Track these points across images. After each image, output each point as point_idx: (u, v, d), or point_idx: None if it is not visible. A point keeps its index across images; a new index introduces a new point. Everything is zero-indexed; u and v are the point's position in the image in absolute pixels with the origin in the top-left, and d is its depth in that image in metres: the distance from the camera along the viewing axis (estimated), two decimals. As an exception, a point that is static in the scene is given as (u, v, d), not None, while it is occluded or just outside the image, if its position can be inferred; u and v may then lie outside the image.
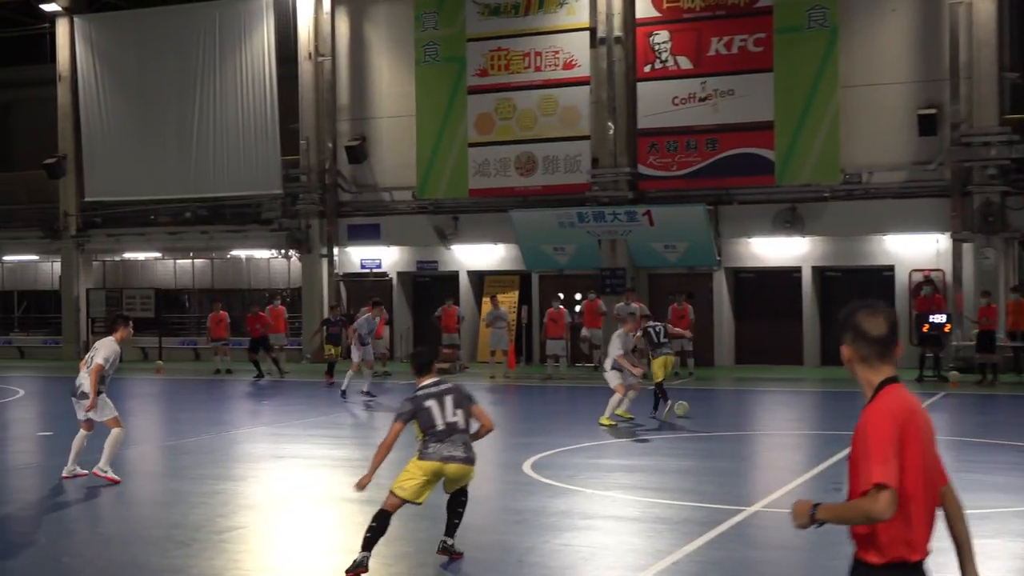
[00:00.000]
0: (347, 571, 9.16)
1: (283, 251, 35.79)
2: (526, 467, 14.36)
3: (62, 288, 38.42)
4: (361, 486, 9.50)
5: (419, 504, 9.57)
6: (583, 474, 13.97)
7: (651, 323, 20.28)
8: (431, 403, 9.53)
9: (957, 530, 4.83)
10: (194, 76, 35.24)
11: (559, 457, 15.26)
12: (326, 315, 29.96)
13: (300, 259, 34.92)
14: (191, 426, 19.61)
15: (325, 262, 34.27)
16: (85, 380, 13.65)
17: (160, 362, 32.88)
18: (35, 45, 41.86)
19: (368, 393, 23.63)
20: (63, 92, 37.70)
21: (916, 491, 4.57)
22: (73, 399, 13.85)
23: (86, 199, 37.47)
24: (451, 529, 9.81)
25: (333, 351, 27.70)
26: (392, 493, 9.43)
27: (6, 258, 41.18)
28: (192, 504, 12.38)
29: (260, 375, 29.09)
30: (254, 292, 37.50)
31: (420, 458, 9.48)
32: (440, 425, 9.45)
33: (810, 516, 4.66)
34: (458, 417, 9.51)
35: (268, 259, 37.39)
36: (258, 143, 34.37)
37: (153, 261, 39.54)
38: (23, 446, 17.66)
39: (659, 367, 19.55)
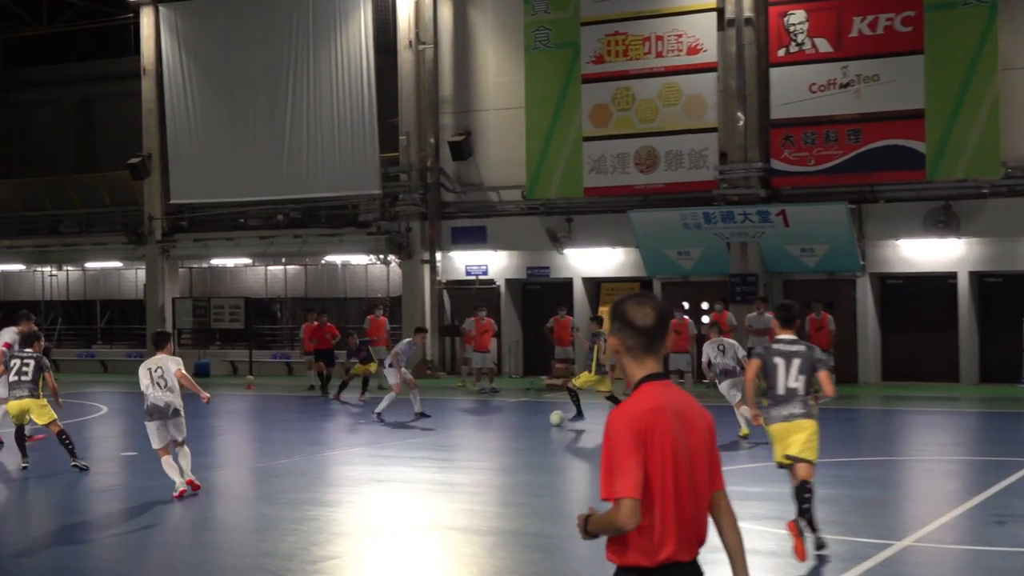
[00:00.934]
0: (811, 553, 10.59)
1: (382, 256, 36.12)
2: (648, 494, 14.25)
3: (147, 297, 39.26)
4: (756, 420, 11.45)
5: (799, 456, 10.87)
6: (711, 502, 13.84)
7: (602, 332, 21.83)
8: (779, 361, 10.80)
9: (728, 539, 5.10)
10: (286, 68, 35.78)
11: (684, 483, 15.13)
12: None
13: (400, 265, 35.21)
14: (283, 446, 19.90)
15: (427, 268, 34.50)
16: (175, 399, 14.70)
17: (250, 377, 33.40)
18: (118, 37, 42.94)
19: (422, 414, 23.32)
20: (147, 87, 38.54)
21: (661, 493, 4.83)
22: (160, 421, 14.71)
23: (171, 201, 38.23)
24: (810, 524, 10.87)
25: (368, 367, 27.94)
26: (780, 464, 11.08)
27: (88, 265, 42.25)
28: (284, 531, 12.56)
29: (317, 387, 29.46)
30: (350, 301, 37.94)
31: (767, 424, 11.04)
32: (780, 389, 10.78)
33: (584, 529, 4.96)
34: (799, 383, 10.75)
35: (366, 265, 37.75)
36: (355, 139, 34.76)
37: (242, 268, 40.23)
38: (106, 467, 18.10)
39: (589, 379, 21.84)
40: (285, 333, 39.11)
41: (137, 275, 41.36)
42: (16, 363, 17.33)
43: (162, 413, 14.69)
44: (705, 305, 30.72)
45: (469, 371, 30.55)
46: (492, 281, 34.20)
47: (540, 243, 33.12)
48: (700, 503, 4.96)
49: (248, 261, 39.53)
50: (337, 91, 35.09)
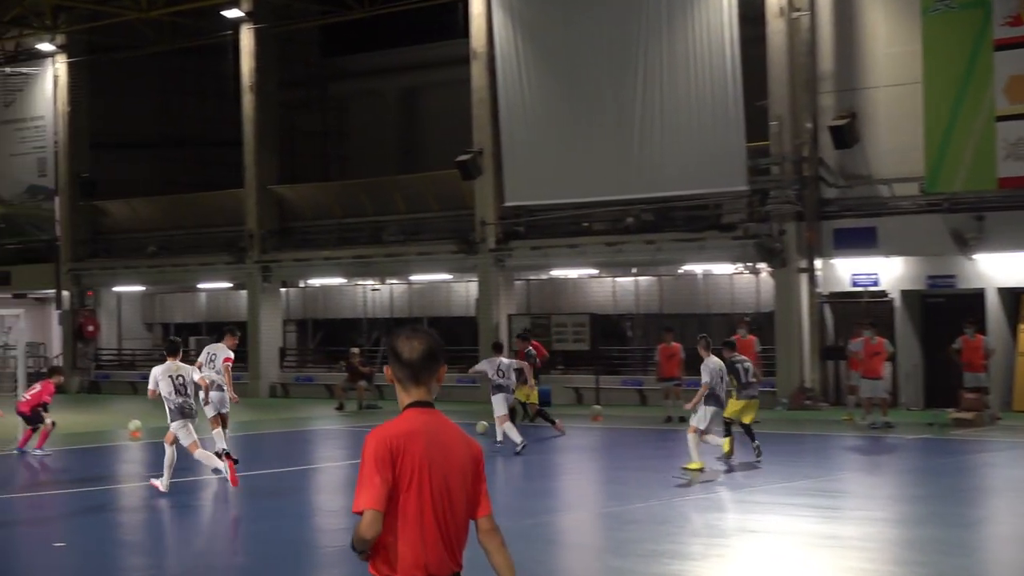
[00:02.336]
0: None
1: (750, 264, 36.01)
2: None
3: (479, 314, 40.37)
4: None
5: None
6: None
7: (737, 358, 22.97)
8: None
9: (496, 560, 6.23)
10: (635, 46, 36.08)
11: None
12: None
13: (772, 274, 35.02)
14: (637, 488, 20.13)
15: (804, 278, 34.16)
16: (194, 402, 19.52)
17: (597, 407, 33.85)
18: (445, 18, 44.43)
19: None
20: (477, 73, 39.64)
21: (413, 512, 5.99)
22: (185, 420, 19.14)
23: (506, 204, 39.17)
24: None
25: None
26: None
27: (414, 278, 43.89)
28: (641, 588, 12.73)
29: (525, 418, 29.77)
30: (712, 317, 37.93)
31: None
32: None
33: (355, 551, 6.04)
34: None
35: (730, 275, 37.69)
36: (716, 127, 34.74)
37: (587, 279, 40.83)
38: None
39: (736, 408, 22.57)
40: (637, 355, 39.43)
41: (468, 289, 42.60)
42: None
43: (186, 414, 19.05)
44: None
45: (857, 402, 30.05)
46: (884, 293, 33.60)
47: (943, 247, 32.31)
48: (456, 524, 6.09)
49: (593, 271, 40.10)
50: (695, 71, 35.14)
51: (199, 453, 19.28)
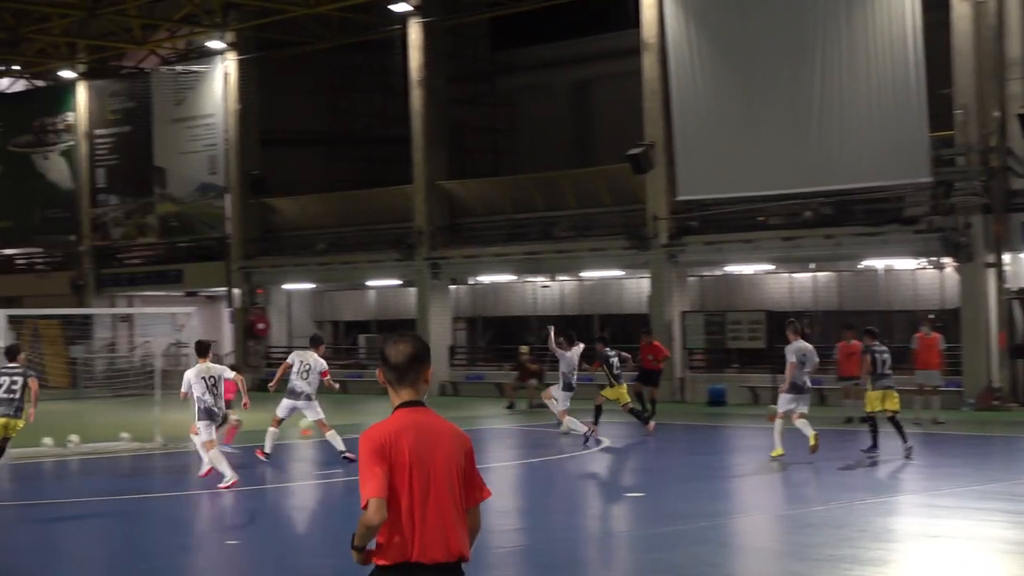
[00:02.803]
0: None
1: (934, 259, 35.48)
2: None
3: (651, 311, 40.36)
4: None
5: None
6: None
7: (877, 347, 23.32)
8: None
9: None
10: (813, 34, 35.75)
11: None
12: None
13: (957, 270, 34.47)
14: (816, 491, 20.08)
15: (992, 273, 33.57)
16: (223, 404, 20.76)
17: (774, 407, 33.49)
18: (615, 7, 44.46)
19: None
20: (649, 64, 39.63)
21: (405, 503, 6.58)
22: (210, 421, 20.04)
23: (678, 198, 39.14)
24: None
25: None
26: None
27: (584, 274, 44.05)
28: (820, 593, 12.68)
29: (646, 413, 29.52)
30: (895, 314, 37.46)
31: None
32: None
33: (353, 548, 6.67)
34: None
35: (913, 270, 37.18)
36: (898, 116, 34.30)
37: (763, 275, 40.57)
38: (607, 510, 18.84)
39: (875, 399, 23.07)
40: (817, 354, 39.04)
41: (640, 285, 42.61)
42: (5, 381, 20.65)
43: (214, 416, 19.97)
44: None
45: (1048, 402, 29.51)
46: (1076, 289, 32.94)
47: None
48: (445, 513, 6.64)
49: (769, 267, 39.86)
50: (876, 58, 34.71)
51: (212, 454, 20.09)
